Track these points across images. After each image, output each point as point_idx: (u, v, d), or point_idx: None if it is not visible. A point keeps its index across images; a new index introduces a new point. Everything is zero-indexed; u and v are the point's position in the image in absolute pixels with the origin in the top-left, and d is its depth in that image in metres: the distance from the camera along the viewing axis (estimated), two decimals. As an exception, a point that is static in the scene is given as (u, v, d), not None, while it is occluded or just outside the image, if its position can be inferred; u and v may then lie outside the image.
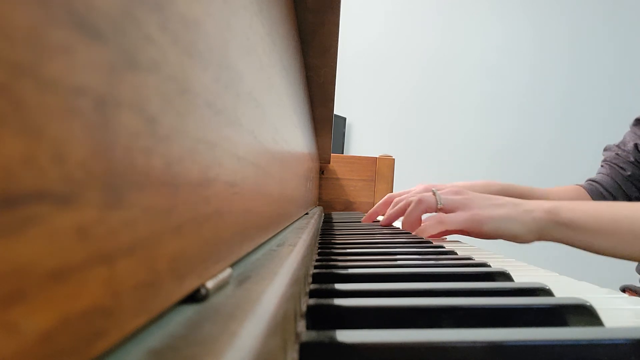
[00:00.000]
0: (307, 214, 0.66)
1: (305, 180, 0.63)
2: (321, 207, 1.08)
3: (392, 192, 1.20)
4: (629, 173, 0.90)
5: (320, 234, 0.56)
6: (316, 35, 0.49)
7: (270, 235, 0.29)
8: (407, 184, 1.36)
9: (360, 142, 2.37)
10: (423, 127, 2.38)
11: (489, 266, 0.33)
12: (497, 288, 0.25)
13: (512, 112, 2.40)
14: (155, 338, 0.11)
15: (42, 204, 0.06)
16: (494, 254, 0.48)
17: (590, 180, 0.94)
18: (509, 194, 0.76)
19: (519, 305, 0.21)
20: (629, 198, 0.89)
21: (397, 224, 0.72)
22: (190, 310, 0.13)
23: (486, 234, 0.57)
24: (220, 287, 0.15)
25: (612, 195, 0.90)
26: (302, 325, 0.19)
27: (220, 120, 0.16)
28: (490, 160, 2.36)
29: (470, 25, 2.39)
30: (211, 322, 0.12)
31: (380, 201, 0.77)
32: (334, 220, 0.81)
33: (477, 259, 0.36)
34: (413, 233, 0.61)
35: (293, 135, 0.44)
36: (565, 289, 0.31)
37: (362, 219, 0.79)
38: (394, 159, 1.23)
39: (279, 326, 0.13)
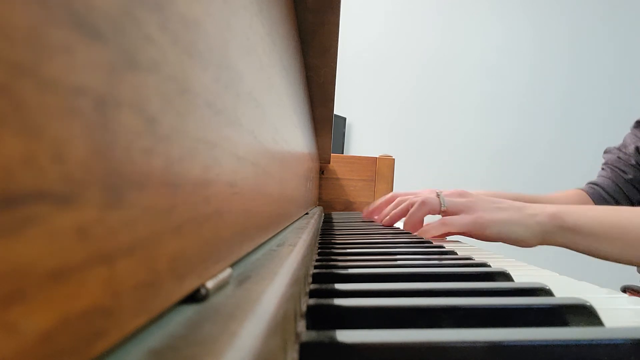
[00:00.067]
0: (307, 213, 0.66)
1: (305, 180, 0.63)
2: (321, 207, 1.08)
3: (392, 192, 1.20)
4: (630, 176, 0.90)
5: (320, 234, 0.56)
6: (316, 35, 0.49)
7: (270, 235, 0.29)
8: (407, 184, 1.36)
9: (360, 142, 2.37)
10: (423, 127, 2.38)
11: (489, 266, 0.33)
12: (497, 288, 0.25)
13: (512, 112, 2.40)
14: (155, 338, 0.11)
15: (42, 204, 0.06)
16: (494, 254, 0.48)
17: (591, 183, 0.94)
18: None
19: (519, 305, 0.21)
20: (630, 201, 0.89)
21: (398, 224, 0.72)
22: (190, 310, 0.13)
23: (489, 237, 0.57)
24: (220, 287, 0.15)
25: (614, 198, 0.90)
26: (302, 325, 0.19)
27: (220, 120, 0.16)
28: (490, 160, 2.36)
29: (470, 25, 2.39)
30: (211, 322, 0.12)
31: (384, 197, 0.76)
32: (334, 220, 0.81)
33: (477, 259, 0.36)
34: (415, 234, 0.61)
35: (293, 135, 0.44)
36: (565, 289, 0.31)
37: (362, 213, 0.79)
38: (394, 159, 1.23)
39: (279, 326, 0.13)
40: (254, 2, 0.21)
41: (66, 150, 0.07)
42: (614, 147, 0.96)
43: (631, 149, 0.92)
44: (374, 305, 0.21)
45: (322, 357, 0.16)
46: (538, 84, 2.40)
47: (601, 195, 0.90)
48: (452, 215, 0.59)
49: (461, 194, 0.61)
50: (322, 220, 0.76)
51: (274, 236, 0.32)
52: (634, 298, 0.28)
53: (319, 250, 0.41)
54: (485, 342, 0.16)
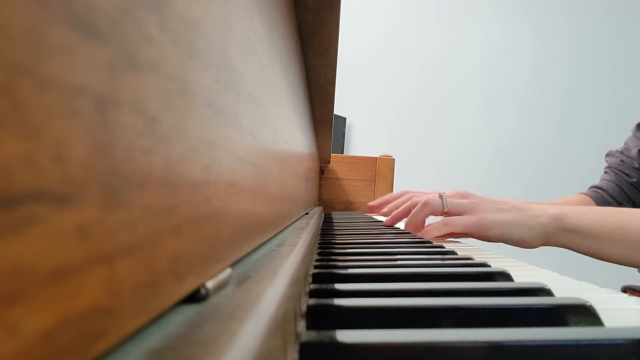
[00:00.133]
0: (307, 213, 0.66)
1: (305, 180, 0.63)
2: (321, 207, 1.08)
3: (392, 192, 1.20)
4: (634, 179, 0.90)
5: (320, 234, 0.56)
6: (316, 35, 0.49)
7: (270, 235, 0.29)
8: (407, 184, 1.36)
9: (360, 142, 2.37)
10: (423, 127, 2.38)
11: (489, 266, 0.33)
12: (497, 288, 0.25)
13: (512, 112, 2.40)
14: (155, 338, 0.11)
15: (42, 204, 0.06)
16: (493, 254, 0.48)
17: (594, 187, 0.94)
18: None
19: (519, 305, 0.21)
20: (634, 205, 0.89)
21: (399, 224, 0.72)
22: (190, 310, 0.13)
23: (492, 238, 0.57)
24: (220, 287, 0.15)
25: (618, 202, 0.90)
26: (302, 325, 0.19)
27: (220, 120, 0.16)
28: (490, 160, 2.36)
29: (470, 25, 2.39)
30: (211, 322, 0.12)
31: (393, 193, 0.76)
32: (334, 220, 0.81)
33: (477, 259, 0.36)
34: (418, 234, 0.60)
35: (293, 135, 0.44)
36: (565, 289, 0.31)
37: (368, 204, 0.80)
38: (394, 159, 1.23)
39: (279, 326, 0.13)
40: (254, 2, 0.21)
41: (66, 150, 0.07)
42: (616, 151, 0.96)
43: (634, 152, 0.92)
44: (374, 305, 0.21)
45: (322, 357, 0.16)
46: (538, 84, 2.40)
47: (605, 199, 0.90)
48: (455, 216, 0.59)
49: (463, 195, 0.61)
50: (322, 220, 0.76)
51: (274, 236, 0.32)
52: (634, 298, 0.28)
53: (319, 250, 0.41)
54: (485, 342, 0.16)
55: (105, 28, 0.08)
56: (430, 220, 0.63)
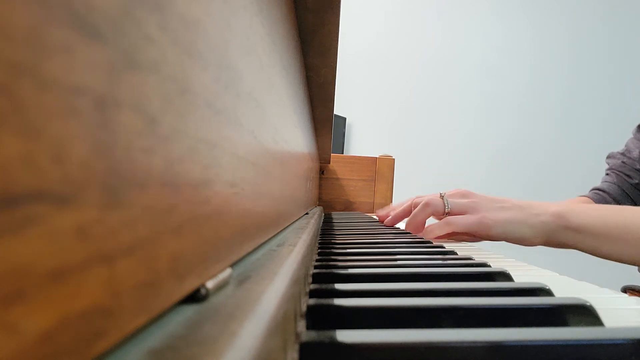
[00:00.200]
0: (307, 213, 0.66)
1: (305, 180, 0.63)
2: (321, 207, 1.08)
3: (392, 192, 1.20)
4: (636, 181, 0.90)
5: (320, 234, 0.56)
6: (316, 35, 0.49)
7: (270, 235, 0.29)
8: (407, 184, 1.36)
9: (360, 142, 2.37)
10: (423, 127, 2.38)
11: (489, 266, 0.33)
12: (497, 288, 0.25)
13: (512, 112, 2.40)
14: (155, 338, 0.11)
15: (42, 204, 0.06)
16: (493, 254, 0.48)
17: (596, 189, 0.93)
18: None
19: (519, 305, 0.21)
20: (636, 206, 0.89)
21: (399, 224, 0.72)
22: (190, 310, 0.13)
23: (493, 237, 0.57)
24: (220, 287, 0.15)
25: (620, 204, 0.90)
26: (302, 325, 0.19)
27: (220, 120, 0.16)
28: (490, 160, 2.36)
29: (470, 25, 2.39)
30: (211, 322, 0.12)
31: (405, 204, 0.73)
32: (334, 220, 0.81)
33: (477, 258, 0.36)
34: (419, 235, 0.60)
35: (293, 135, 0.44)
36: (565, 289, 0.31)
37: (377, 214, 0.79)
38: (394, 159, 1.23)
39: (279, 326, 0.13)
40: (254, 2, 0.21)
41: (66, 150, 0.07)
42: (618, 152, 0.96)
43: (635, 154, 0.92)
44: (374, 305, 0.21)
45: (322, 357, 0.16)
46: (538, 84, 2.41)
47: (607, 200, 0.90)
48: (456, 216, 0.59)
49: (464, 194, 0.61)
50: (322, 220, 0.76)
51: (274, 236, 0.32)
52: (634, 298, 0.28)
53: (319, 250, 0.41)
54: (485, 342, 0.16)
55: (105, 28, 0.08)
56: (430, 220, 0.63)
